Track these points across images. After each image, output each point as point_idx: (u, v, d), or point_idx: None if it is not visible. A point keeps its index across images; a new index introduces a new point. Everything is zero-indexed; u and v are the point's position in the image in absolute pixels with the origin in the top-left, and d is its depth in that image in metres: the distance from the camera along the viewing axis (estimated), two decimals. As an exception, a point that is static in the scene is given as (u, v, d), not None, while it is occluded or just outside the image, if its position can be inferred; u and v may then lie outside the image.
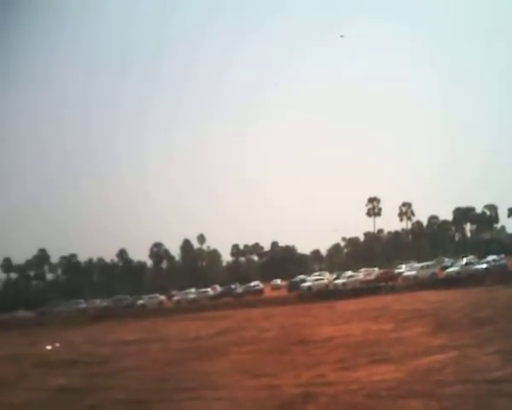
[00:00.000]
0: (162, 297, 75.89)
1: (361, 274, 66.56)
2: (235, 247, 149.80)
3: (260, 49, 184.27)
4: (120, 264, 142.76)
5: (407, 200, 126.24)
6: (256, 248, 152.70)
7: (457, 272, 55.12)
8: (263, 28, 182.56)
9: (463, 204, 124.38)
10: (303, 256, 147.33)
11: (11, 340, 43.26)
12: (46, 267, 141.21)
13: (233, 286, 77.86)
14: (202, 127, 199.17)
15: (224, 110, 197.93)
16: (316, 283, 63.76)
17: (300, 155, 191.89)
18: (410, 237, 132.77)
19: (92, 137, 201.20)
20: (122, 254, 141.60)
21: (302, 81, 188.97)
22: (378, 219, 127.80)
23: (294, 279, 74.07)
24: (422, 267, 60.33)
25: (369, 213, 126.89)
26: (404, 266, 69.39)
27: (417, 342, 19.67)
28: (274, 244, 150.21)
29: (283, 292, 68.53)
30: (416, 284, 51.51)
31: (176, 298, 74.70)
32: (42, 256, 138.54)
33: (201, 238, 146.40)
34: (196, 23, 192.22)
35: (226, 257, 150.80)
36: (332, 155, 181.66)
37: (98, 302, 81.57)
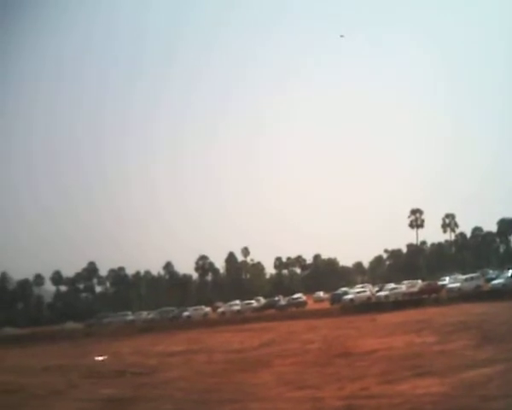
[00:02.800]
0: (207, 309, 76.24)
1: (404, 286, 65.55)
2: (278, 259, 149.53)
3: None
4: (167, 277, 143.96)
5: (450, 211, 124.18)
6: (299, 260, 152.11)
7: (503, 285, 53.69)
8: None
9: (508, 215, 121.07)
10: (345, 268, 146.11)
11: (61, 351, 43.94)
12: (95, 280, 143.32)
13: (276, 298, 77.72)
14: (244, 141, 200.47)
15: (262, 124, 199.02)
16: (358, 295, 63.06)
17: (342, 168, 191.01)
18: (454, 248, 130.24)
19: (127, 155, 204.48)
20: (168, 267, 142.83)
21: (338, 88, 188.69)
22: (421, 230, 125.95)
23: (337, 292, 73.45)
24: (466, 279, 59.06)
25: (411, 225, 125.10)
26: (447, 278, 68.05)
27: (462, 355, 19.22)
28: (316, 257, 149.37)
29: (326, 304, 68.01)
30: (459, 297, 50.38)
31: (220, 310, 74.89)
32: (91, 269, 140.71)
33: (245, 251, 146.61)
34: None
35: (269, 270, 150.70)
36: (374, 168, 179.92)
37: (145, 314, 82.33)
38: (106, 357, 33.38)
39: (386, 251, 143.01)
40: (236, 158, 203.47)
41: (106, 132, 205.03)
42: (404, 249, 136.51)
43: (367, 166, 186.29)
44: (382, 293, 62.65)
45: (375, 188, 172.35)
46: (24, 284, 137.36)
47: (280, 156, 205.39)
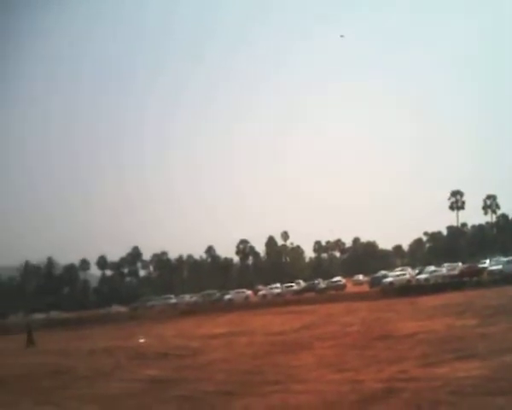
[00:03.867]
0: (248, 292, 76.75)
1: (444, 269, 64.68)
2: (318, 243, 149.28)
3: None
4: (209, 260, 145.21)
5: (492, 192, 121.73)
6: (338, 244, 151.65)
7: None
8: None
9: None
10: (384, 251, 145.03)
11: (107, 333, 44.86)
12: (139, 264, 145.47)
13: (316, 281, 77.68)
14: (284, 126, 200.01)
15: (299, 112, 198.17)
16: (398, 278, 62.56)
17: (381, 152, 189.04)
18: (495, 230, 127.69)
19: (170, 142, 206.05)
20: (210, 250, 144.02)
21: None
22: (462, 212, 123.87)
23: (376, 275, 73.07)
24: (508, 262, 57.86)
25: (452, 207, 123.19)
26: (488, 260, 66.86)
27: (503, 339, 18.90)
28: (356, 240, 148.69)
29: (365, 288, 67.74)
30: (501, 279, 49.44)
31: (261, 293, 75.32)
32: (135, 254, 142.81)
33: (285, 235, 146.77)
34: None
35: (309, 253, 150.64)
36: (415, 150, 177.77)
37: (188, 297, 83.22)
38: (149, 339, 33.94)
39: (425, 234, 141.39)
40: (277, 144, 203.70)
41: (147, 120, 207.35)
42: (445, 232, 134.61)
43: (407, 149, 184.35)
44: (422, 276, 62.00)
45: (414, 170, 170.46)
46: (70, 269, 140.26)
47: (320, 141, 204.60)
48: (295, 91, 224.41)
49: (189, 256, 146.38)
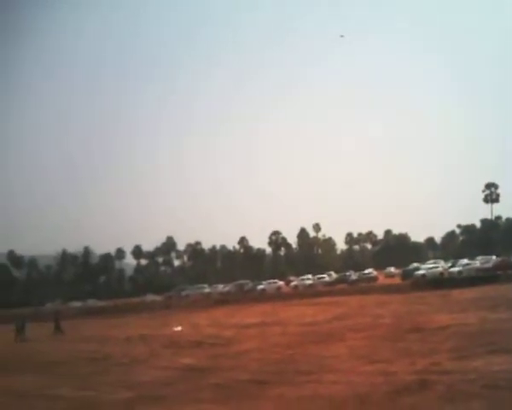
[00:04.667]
0: (281, 283, 76.72)
1: (477, 262, 63.68)
2: (349, 235, 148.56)
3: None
4: (241, 251, 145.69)
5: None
6: (369, 236, 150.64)
7: None
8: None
9: None
10: (417, 244, 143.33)
11: (142, 322, 45.43)
12: (173, 254, 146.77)
13: (347, 273, 77.32)
14: (315, 121, 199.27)
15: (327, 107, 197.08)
16: (430, 271, 61.75)
17: (414, 142, 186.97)
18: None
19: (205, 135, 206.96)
20: (243, 241, 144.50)
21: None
22: (496, 205, 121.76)
23: (408, 267, 72.36)
24: (543, 255, 56.81)
25: (486, 200, 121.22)
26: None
27: (538, 333, 18.65)
28: (387, 232, 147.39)
29: (397, 280, 67.15)
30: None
31: (293, 284, 75.24)
32: (169, 243, 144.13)
33: (317, 227, 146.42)
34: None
35: (341, 245, 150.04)
36: (448, 142, 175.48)
37: (221, 287, 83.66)
38: (184, 328, 34.27)
39: (459, 226, 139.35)
40: (310, 138, 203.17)
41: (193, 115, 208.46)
42: (478, 225, 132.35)
43: (441, 141, 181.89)
44: (455, 269, 61.12)
45: (449, 163, 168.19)
46: (106, 258, 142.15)
47: (351, 136, 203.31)
48: (327, 88, 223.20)
49: (223, 247, 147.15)
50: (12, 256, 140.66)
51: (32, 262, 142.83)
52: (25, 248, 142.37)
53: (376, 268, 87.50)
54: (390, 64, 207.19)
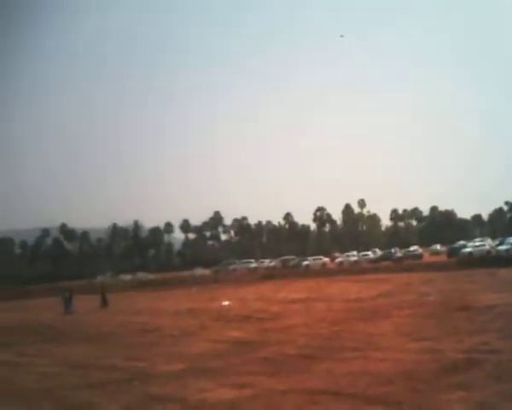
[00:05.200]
0: (325, 259, 76.69)
1: (526, 240, 62.11)
2: (394, 211, 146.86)
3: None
4: (286, 227, 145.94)
5: None
6: (415, 212, 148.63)
7: None
8: None
9: None
10: (463, 221, 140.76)
11: (190, 295, 46.12)
12: (220, 229, 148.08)
13: (392, 250, 76.61)
14: (361, 102, 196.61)
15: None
16: (477, 248, 60.56)
17: (461, 118, 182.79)
18: None
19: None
20: (288, 217, 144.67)
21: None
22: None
23: (454, 245, 71.16)
24: None
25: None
26: None
27: None
28: (433, 209, 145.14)
29: (442, 258, 66.10)
30: None
31: (338, 260, 75.05)
32: (216, 218, 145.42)
33: (362, 203, 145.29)
34: None
35: (385, 221, 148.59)
36: (495, 116, 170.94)
37: (267, 262, 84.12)
38: (232, 302, 34.63)
39: (507, 203, 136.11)
40: (353, 113, 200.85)
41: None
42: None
43: (489, 116, 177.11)
44: (503, 247, 59.76)
45: (496, 138, 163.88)
46: (155, 232, 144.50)
47: (398, 113, 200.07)
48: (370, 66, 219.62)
49: (268, 222, 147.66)
50: (64, 230, 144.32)
51: (84, 236, 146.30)
52: (77, 222, 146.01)
53: (421, 245, 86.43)
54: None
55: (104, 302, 40.40)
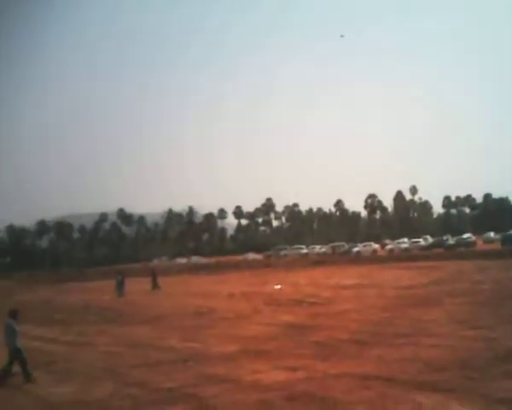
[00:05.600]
0: (376, 246, 75.83)
1: None
2: (447, 198, 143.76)
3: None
4: (337, 213, 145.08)
5: None
6: (468, 199, 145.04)
7: None
8: None
9: None
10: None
11: (243, 279, 46.49)
12: (272, 215, 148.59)
13: (444, 237, 74.99)
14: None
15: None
16: (533, 237, 58.70)
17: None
18: None
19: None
20: (339, 204, 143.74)
21: None
22: None
23: (509, 232, 69.08)
24: None
25: None
26: None
27: None
28: (487, 196, 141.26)
29: (496, 246, 64.32)
30: None
31: (389, 247, 74.06)
32: (268, 205, 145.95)
33: (413, 190, 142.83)
34: None
35: (437, 209, 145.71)
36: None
37: (318, 248, 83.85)
38: (284, 287, 34.74)
39: None
40: (404, 98, 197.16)
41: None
42: None
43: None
44: (559, 235, 57.80)
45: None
46: (209, 218, 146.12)
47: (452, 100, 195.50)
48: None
49: (319, 209, 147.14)
50: (122, 214, 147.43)
51: (141, 220, 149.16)
52: (134, 207, 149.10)
53: (474, 233, 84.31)
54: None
55: (155, 285, 41.00)
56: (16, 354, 12.97)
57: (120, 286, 38.04)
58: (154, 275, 42.12)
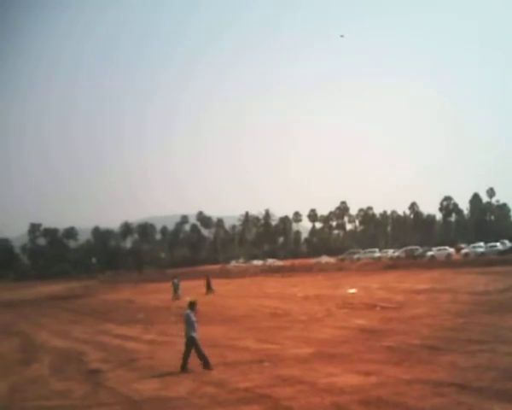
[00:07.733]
0: (451, 250, 73.44)
1: None
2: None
3: None
4: (411, 216, 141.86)
5: None
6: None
7: None
8: None
9: None
10: None
11: (317, 282, 46.34)
12: (346, 218, 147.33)
13: (523, 242, 71.71)
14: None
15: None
16: None
17: None
18: None
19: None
20: (413, 207, 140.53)
21: None
22: None
23: None
24: None
25: None
26: None
27: None
28: None
29: None
30: None
31: (464, 251, 71.53)
32: (342, 208, 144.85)
33: (491, 192, 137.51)
34: None
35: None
36: None
37: (391, 252, 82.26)
38: (356, 290, 34.35)
39: None
40: (483, 102, 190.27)
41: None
42: None
43: None
44: None
45: None
46: (284, 221, 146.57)
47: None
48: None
49: (393, 212, 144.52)
50: (201, 217, 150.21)
51: (219, 223, 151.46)
52: (212, 210, 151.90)
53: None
54: None
55: (209, 289, 41.67)
56: (189, 342, 14.00)
57: (176, 289, 38.54)
58: (207, 279, 43.04)
